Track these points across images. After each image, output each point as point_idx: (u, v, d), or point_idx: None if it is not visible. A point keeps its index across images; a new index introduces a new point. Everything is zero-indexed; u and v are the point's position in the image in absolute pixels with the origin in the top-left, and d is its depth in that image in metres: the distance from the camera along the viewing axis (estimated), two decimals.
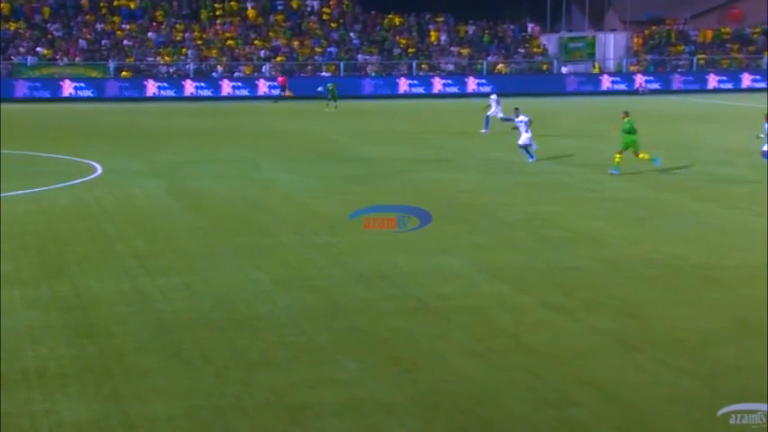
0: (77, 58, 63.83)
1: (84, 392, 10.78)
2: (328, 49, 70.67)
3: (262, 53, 68.96)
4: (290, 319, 13.74)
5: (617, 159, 27.35)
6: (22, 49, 63.01)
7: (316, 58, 70.09)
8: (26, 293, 15.01)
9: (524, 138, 29.95)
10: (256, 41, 70.07)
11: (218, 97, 62.45)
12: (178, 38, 68.30)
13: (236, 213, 22.18)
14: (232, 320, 13.64)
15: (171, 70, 65.32)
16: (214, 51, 68.13)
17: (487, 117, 40.24)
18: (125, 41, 66.72)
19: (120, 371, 11.54)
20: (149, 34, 67.67)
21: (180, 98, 61.83)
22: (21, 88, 59.06)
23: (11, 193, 24.15)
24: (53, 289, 15.29)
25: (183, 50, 67.26)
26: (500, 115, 38.29)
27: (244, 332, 13.06)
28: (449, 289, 15.38)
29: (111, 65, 63.69)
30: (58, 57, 63.43)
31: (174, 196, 24.49)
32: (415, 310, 14.23)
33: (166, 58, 66.03)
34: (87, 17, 68.03)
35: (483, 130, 40.06)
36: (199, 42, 68.48)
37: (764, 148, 28.61)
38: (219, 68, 66.56)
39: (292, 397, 10.72)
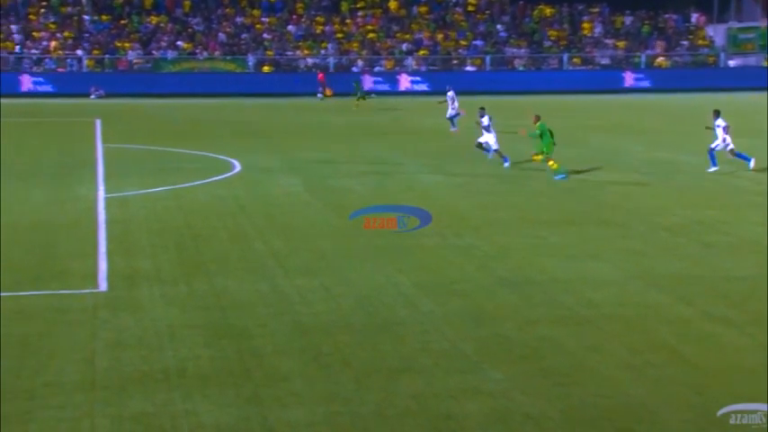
0: (217, 52, 65.85)
1: (223, 395, 11.11)
2: (474, 42, 70.57)
3: (404, 46, 69.47)
4: (433, 324, 13.79)
5: (553, 165, 26.69)
6: (163, 43, 65.49)
7: (460, 51, 70.11)
8: (165, 292, 15.58)
9: (489, 138, 29.18)
10: (398, 34, 70.64)
11: (349, 93, 63.16)
12: (318, 31, 69.56)
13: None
14: (372, 324, 13.79)
15: (310, 64, 66.58)
16: (355, 45, 69.05)
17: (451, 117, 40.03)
18: (264, 35, 68.41)
19: (260, 373, 11.84)
20: (289, 27, 69.16)
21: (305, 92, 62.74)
22: (164, 83, 61.25)
23: (151, 190, 25.12)
24: (191, 288, 15.81)
25: (323, 44, 68.45)
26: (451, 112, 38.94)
27: (384, 337, 13.18)
28: (600, 296, 15.12)
29: (251, 59, 65.39)
30: (198, 51, 65.59)
31: (313, 194, 24.94)
32: (565, 318, 14.05)
33: (306, 52, 67.33)
34: (227, 11, 70.07)
35: (453, 129, 39.65)
36: (339, 36, 69.55)
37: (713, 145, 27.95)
38: (360, 63, 67.39)
39: (435, 406, 10.75)
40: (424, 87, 65.09)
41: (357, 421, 10.37)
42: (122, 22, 66.33)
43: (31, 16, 65.39)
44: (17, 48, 62.12)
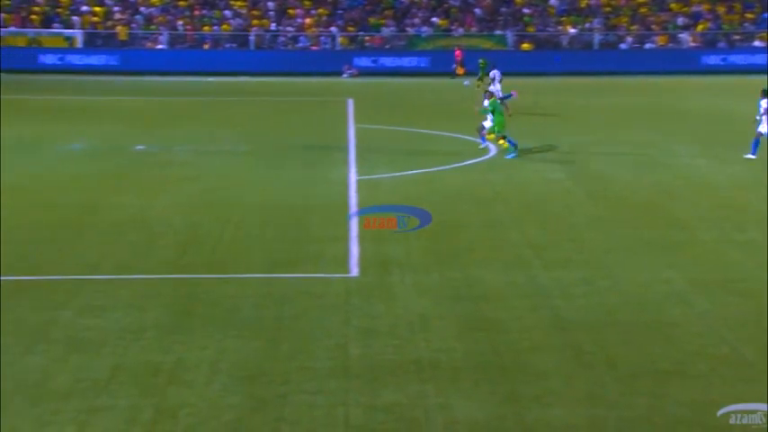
0: (473, 29, 66.35)
1: (477, 390, 11.26)
2: (764, 15, 67.13)
3: (679, 20, 67.23)
4: (709, 326, 13.35)
5: (503, 145, 28.22)
6: (417, 20, 66.73)
7: (746, 25, 66.97)
8: (417, 280, 15.93)
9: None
10: (673, 6, 68.43)
11: (623, 71, 61.66)
12: (583, 5, 68.57)
13: (644, 203, 21.92)
14: (640, 323, 13.53)
15: (572, 40, 65.75)
16: (624, 20, 67.54)
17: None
18: (524, 9, 68.24)
19: (516, 370, 11.90)
20: (551, 1, 68.62)
21: (583, 72, 61.82)
22: (415, 60, 62.33)
23: (402, 173, 25.69)
24: (444, 277, 16.09)
25: (588, 18, 67.40)
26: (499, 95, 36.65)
27: (654, 337, 12.90)
28: None
29: (509, 35, 65.44)
30: (453, 27, 66.34)
31: (574, 182, 24.69)
32: None
33: (568, 28, 66.59)
34: None
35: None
36: (607, 9, 68.24)
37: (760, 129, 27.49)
38: (629, 39, 65.88)
39: (711, 418, 10.43)
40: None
41: (623, 426, 10.25)
42: None
43: None
44: (272, 25, 65.16)
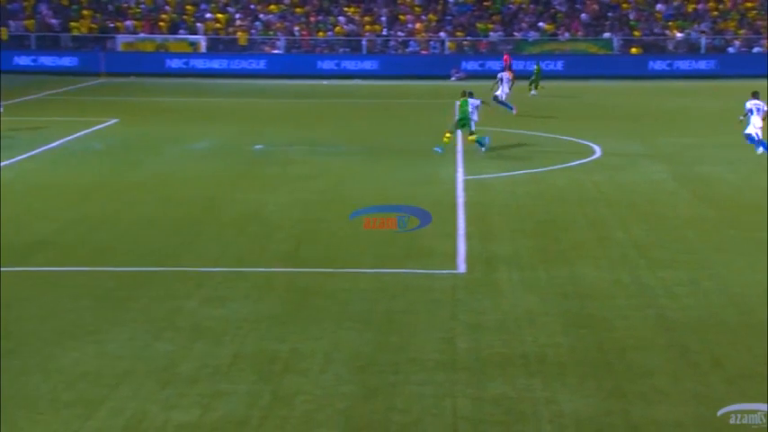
0: (579, 33, 65.52)
1: (583, 385, 11.11)
2: None
3: None
4: None
5: (446, 140, 28.52)
6: (524, 24, 66.22)
7: None
8: (524, 277, 15.81)
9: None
10: None
11: (725, 75, 59.99)
12: (689, 9, 67.08)
13: (750, 204, 21.34)
14: (747, 324, 13.18)
15: (679, 45, 64.39)
16: (731, 24, 65.85)
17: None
18: (630, 14, 67.08)
19: (621, 367, 11.71)
20: (658, 6, 67.31)
21: (689, 75, 60.49)
22: (522, 63, 61.86)
23: (509, 173, 25.54)
24: (549, 274, 15.92)
25: (694, 23, 65.91)
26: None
27: (761, 339, 12.53)
28: None
29: (615, 39, 64.43)
30: (559, 32, 65.64)
31: (679, 183, 24.21)
32: None
33: (675, 32, 65.22)
34: None
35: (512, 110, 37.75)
36: (714, 14, 66.63)
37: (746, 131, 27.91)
38: (736, 43, 64.20)
39: None
40: None
41: (730, 427, 9.98)
42: (485, 3, 67.77)
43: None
44: (384, 30, 65.44)
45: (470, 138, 28.64)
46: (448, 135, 28.70)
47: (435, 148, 28.20)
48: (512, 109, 38.24)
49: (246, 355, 12.18)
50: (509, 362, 11.87)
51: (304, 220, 20.06)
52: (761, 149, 27.44)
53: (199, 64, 60.69)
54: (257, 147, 30.01)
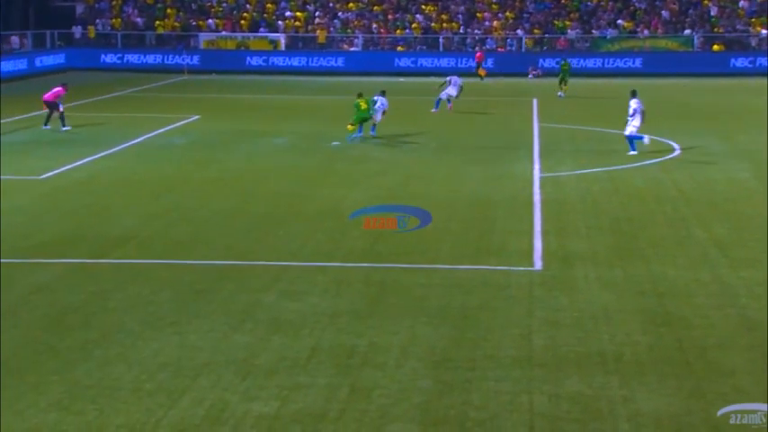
0: (659, 30, 64.47)
1: (662, 384, 10.92)
2: None
3: None
4: None
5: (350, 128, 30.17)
6: (602, 22, 65.38)
7: None
8: (600, 274, 15.60)
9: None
10: None
11: None
12: None
13: None
14: None
15: (762, 42, 62.95)
16: None
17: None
18: (712, 10, 65.81)
19: (701, 366, 11.49)
20: (741, 3, 65.91)
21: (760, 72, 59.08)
22: (600, 61, 61.15)
23: (585, 171, 25.23)
24: (627, 272, 15.69)
25: None
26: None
27: None
28: None
29: (696, 37, 63.27)
30: (638, 29, 64.67)
31: (761, 182, 23.65)
32: None
33: (758, 29, 63.78)
34: None
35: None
36: None
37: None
38: None
39: None
40: None
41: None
42: (563, 0, 67.11)
43: None
44: (461, 28, 65.17)
45: (349, 126, 30.31)
46: (350, 127, 30.36)
47: (348, 138, 30.17)
48: (437, 109, 39.05)
49: (324, 348, 12.22)
50: (586, 359, 11.72)
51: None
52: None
53: (278, 61, 61.14)
54: (335, 143, 30.11)
